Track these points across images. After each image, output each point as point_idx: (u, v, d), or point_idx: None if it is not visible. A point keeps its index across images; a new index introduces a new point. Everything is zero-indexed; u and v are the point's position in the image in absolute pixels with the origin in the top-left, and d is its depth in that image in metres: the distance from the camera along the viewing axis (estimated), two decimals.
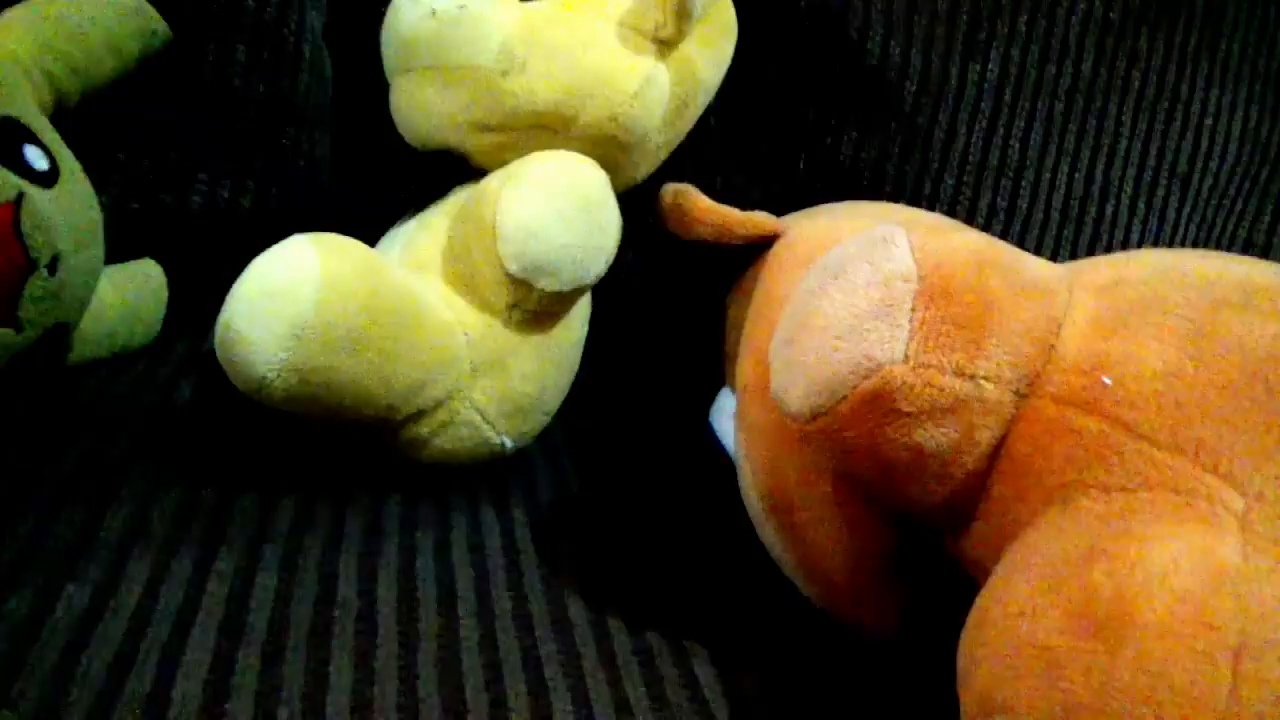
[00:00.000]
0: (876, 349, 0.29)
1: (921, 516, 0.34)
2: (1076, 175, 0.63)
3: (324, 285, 0.36)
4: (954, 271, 0.29)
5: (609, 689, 0.35)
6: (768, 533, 0.40)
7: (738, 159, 0.58)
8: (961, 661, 0.26)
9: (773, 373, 0.33)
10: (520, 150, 0.43)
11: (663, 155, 0.48)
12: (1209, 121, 0.65)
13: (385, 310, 0.38)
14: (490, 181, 0.41)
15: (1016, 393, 0.29)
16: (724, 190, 0.56)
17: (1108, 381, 0.27)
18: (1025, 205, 0.61)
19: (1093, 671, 0.22)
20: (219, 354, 0.37)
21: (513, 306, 0.41)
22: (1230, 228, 0.70)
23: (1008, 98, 0.60)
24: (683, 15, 0.42)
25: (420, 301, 0.39)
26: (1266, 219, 0.70)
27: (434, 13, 0.41)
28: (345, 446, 0.43)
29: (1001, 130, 0.60)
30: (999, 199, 0.61)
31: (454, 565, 0.40)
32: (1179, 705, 0.21)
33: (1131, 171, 0.64)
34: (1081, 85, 0.61)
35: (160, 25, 0.47)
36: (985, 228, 0.60)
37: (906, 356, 0.29)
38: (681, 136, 0.48)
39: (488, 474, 0.46)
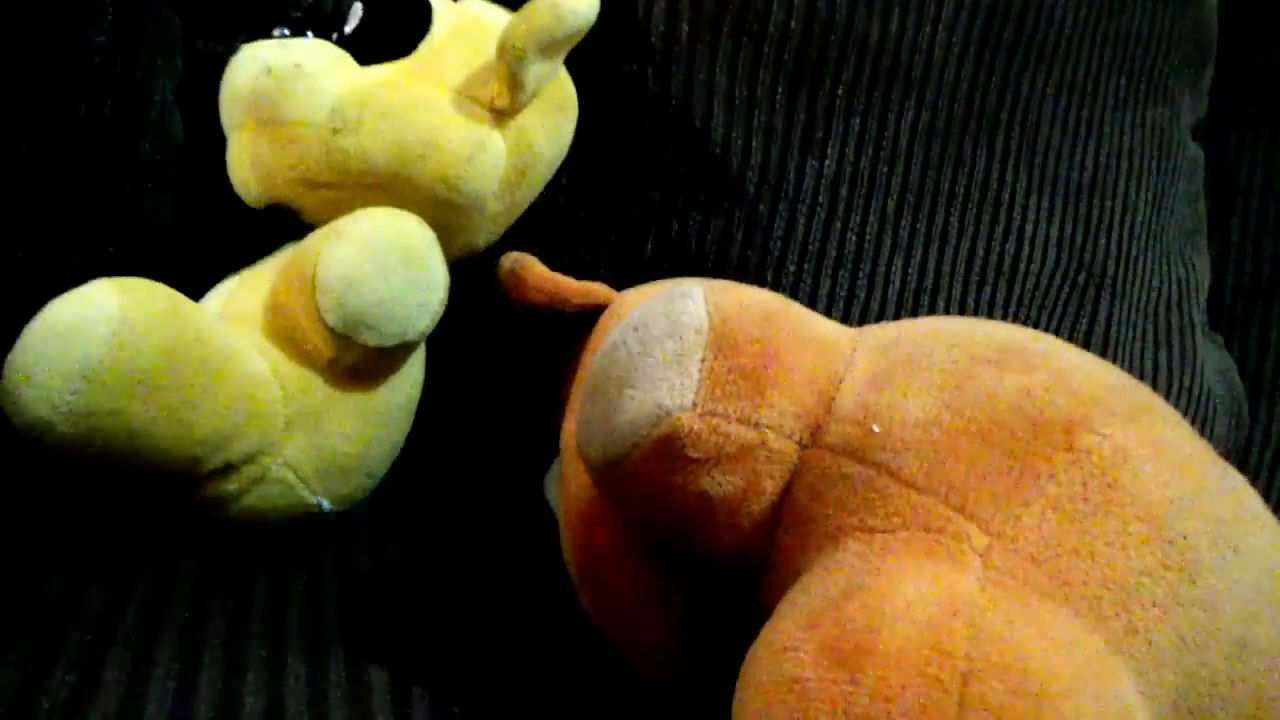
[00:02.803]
0: (666, 397, 0.30)
1: (721, 572, 0.34)
2: (910, 269, 0.67)
3: (119, 326, 0.35)
4: (741, 324, 0.31)
5: None
6: (583, 596, 0.40)
7: (586, 237, 0.59)
8: (734, 708, 0.26)
9: (576, 425, 0.34)
10: (353, 208, 0.43)
11: (502, 224, 0.49)
12: (1029, 228, 0.71)
13: (187, 356, 0.36)
14: (314, 235, 0.41)
15: (799, 443, 0.30)
16: (573, 267, 0.57)
17: (876, 429, 0.28)
18: (863, 294, 0.65)
19: (836, 700, 0.22)
20: (2, 399, 0.35)
21: (334, 362, 0.41)
22: (1053, 325, 0.75)
23: (844, 193, 0.63)
24: (516, 88, 0.43)
25: (229, 349, 0.38)
26: (1085, 321, 0.76)
27: (270, 70, 0.42)
28: (143, 504, 0.41)
29: (838, 223, 0.64)
30: (838, 288, 0.64)
31: (249, 630, 0.37)
32: None
33: (960, 269, 0.68)
34: (912, 186, 0.65)
35: None
36: (826, 312, 0.63)
37: (695, 404, 0.29)
38: (522, 206, 0.50)
39: (303, 538, 0.44)
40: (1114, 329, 0.76)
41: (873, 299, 0.65)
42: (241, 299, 0.43)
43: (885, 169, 0.65)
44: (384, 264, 0.39)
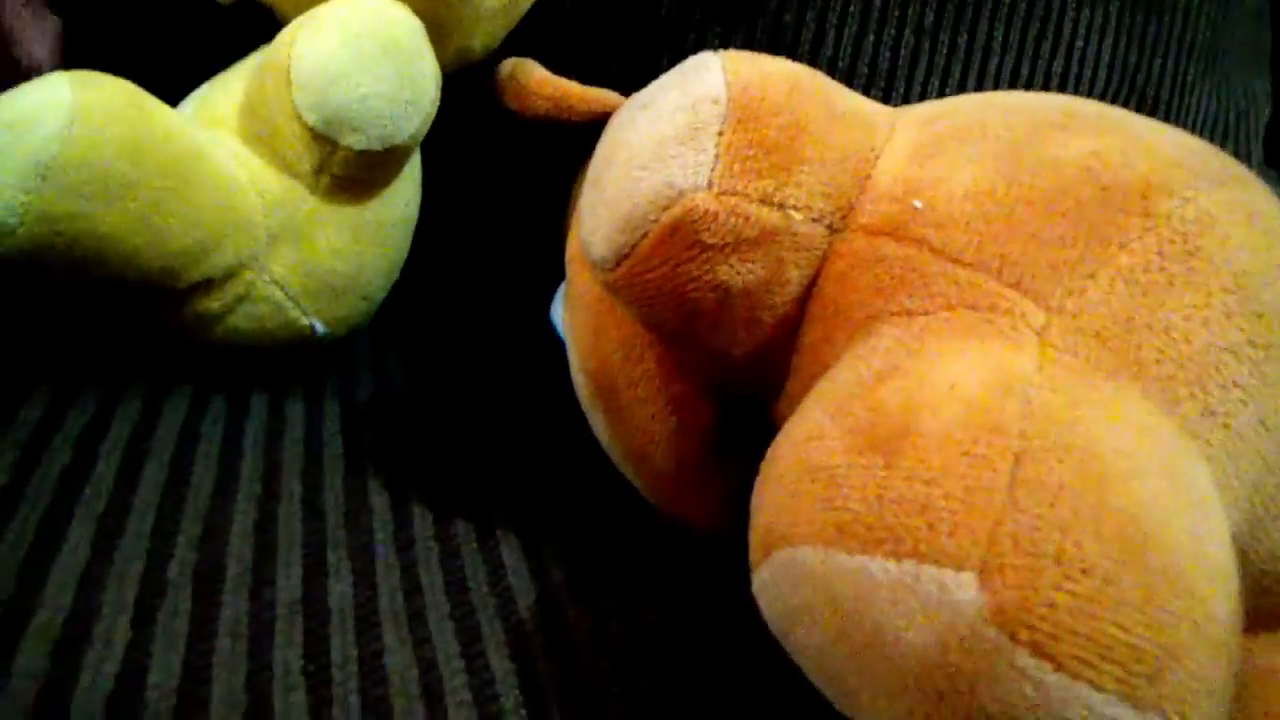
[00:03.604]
0: (678, 175, 0.26)
1: (741, 382, 0.31)
2: (948, 88, 0.61)
3: (75, 118, 0.31)
4: (765, 94, 0.27)
5: (400, 573, 0.31)
6: (594, 418, 0.37)
7: (595, 52, 0.54)
8: (752, 504, 0.24)
9: (581, 218, 0.30)
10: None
11: (500, 26, 0.44)
12: (1079, 43, 0.65)
13: (154, 154, 0.33)
14: (290, 25, 0.37)
15: (829, 227, 0.27)
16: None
17: (919, 205, 0.25)
18: None
19: (869, 486, 0.19)
20: None
21: (319, 171, 0.37)
22: None
23: (877, 2, 0.58)
24: None
25: (201, 152, 0.35)
26: None
27: None
28: (125, 323, 0.38)
29: (871, 37, 0.58)
30: None
31: (243, 452, 0.36)
32: (952, 511, 0.18)
33: (1003, 89, 0.63)
34: None
35: None
36: None
37: (710, 183, 0.26)
38: (521, 6, 0.45)
39: (300, 365, 0.41)
40: None
41: None
42: (214, 103, 0.39)
43: None
44: (366, 56, 0.35)
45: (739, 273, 0.26)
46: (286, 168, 0.37)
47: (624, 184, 0.27)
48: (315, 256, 0.38)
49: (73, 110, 0.31)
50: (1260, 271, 0.22)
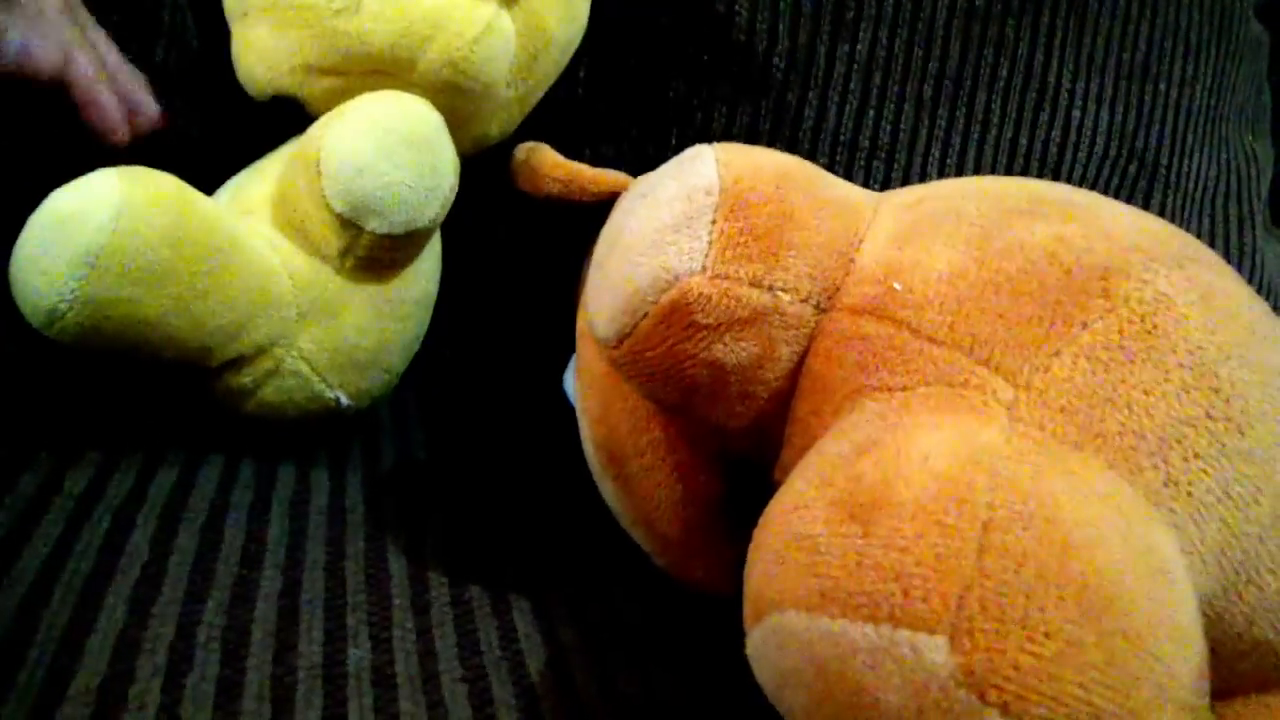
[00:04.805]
0: (675, 260, 0.28)
1: (740, 451, 0.33)
2: (948, 160, 0.63)
3: (121, 212, 0.34)
4: (755, 185, 0.29)
5: (416, 637, 0.33)
6: (605, 486, 0.39)
7: (607, 131, 0.57)
8: (745, 570, 0.25)
9: (587, 299, 0.32)
10: (358, 95, 0.41)
11: (516, 113, 0.47)
12: (1076, 113, 0.67)
13: (193, 242, 0.36)
14: (319, 121, 0.40)
15: (816, 306, 0.29)
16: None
17: (898, 287, 0.27)
18: (898, 187, 0.62)
19: (848, 554, 0.21)
20: (12, 289, 0.35)
21: (344, 253, 0.40)
22: None
23: (877, 79, 0.60)
24: None
25: (236, 238, 0.38)
26: None
27: None
28: (162, 398, 0.40)
29: (872, 111, 0.61)
30: (871, 181, 0.61)
31: (270, 520, 0.37)
32: (924, 578, 0.20)
33: (1003, 159, 0.65)
34: (950, 70, 0.62)
35: None
36: None
37: (704, 267, 0.28)
38: (536, 94, 0.48)
39: (326, 435, 0.44)
40: (1168, 220, 0.72)
41: None
42: (249, 191, 0.42)
43: (921, 52, 0.61)
44: (389, 147, 0.38)
45: (733, 351, 0.28)
46: (315, 251, 0.40)
47: (625, 268, 0.29)
48: (341, 333, 0.41)
49: (120, 204, 0.34)
50: (1215, 348, 0.23)
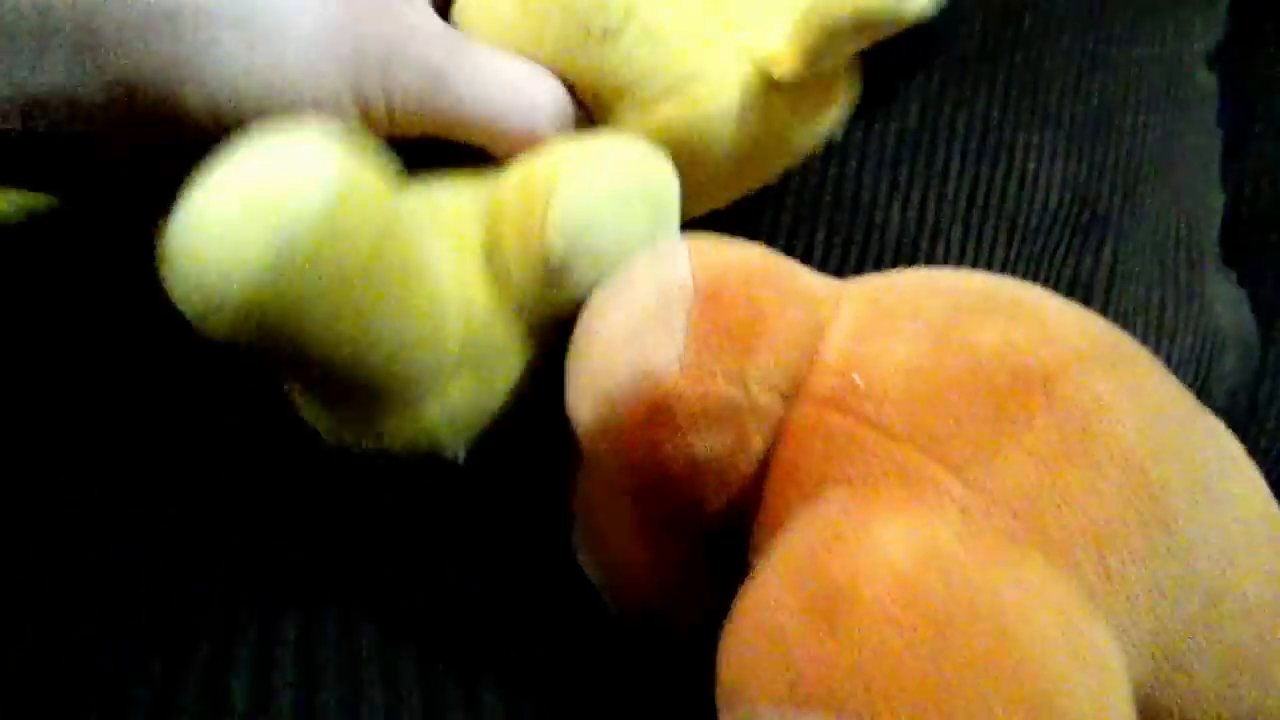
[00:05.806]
0: (653, 355, 0.30)
1: (715, 530, 0.35)
2: (909, 215, 0.66)
3: (336, 204, 0.26)
4: (726, 281, 0.31)
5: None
6: (582, 556, 0.40)
7: None
8: (717, 661, 0.27)
9: (566, 389, 0.34)
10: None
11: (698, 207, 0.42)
12: (1031, 165, 0.70)
13: (391, 256, 0.29)
14: (556, 156, 0.34)
15: (784, 397, 0.30)
16: None
17: (858, 381, 0.29)
18: (860, 239, 0.64)
19: (817, 650, 0.23)
20: (169, 259, 0.25)
21: (536, 305, 0.34)
22: (1056, 266, 0.74)
23: (842, 139, 0.63)
24: (808, 57, 0.36)
25: (426, 264, 0.31)
26: (1089, 260, 0.75)
27: None
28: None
29: (834, 167, 0.63)
30: (834, 234, 0.64)
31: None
32: (885, 676, 0.21)
33: (961, 211, 0.67)
34: (910, 124, 0.64)
35: None
36: (822, 261, 0.63)
37: (680, 363, 0.30)
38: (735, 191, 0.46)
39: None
40: (1119, 267, 0.75)
41: (870, 244, 0.64)
42: (438, 200, 0.35)
43: (883, 108, 0.63)
44: (629, 209, 0.33)
45: (708, 443, 0.30)
46: (500, 293, 0.34)
47: (602, 364, 0.31)
48: (493, 392, 0.36)
49: (334, 193, 0.26)
50: (1147, 450, 0.25)
